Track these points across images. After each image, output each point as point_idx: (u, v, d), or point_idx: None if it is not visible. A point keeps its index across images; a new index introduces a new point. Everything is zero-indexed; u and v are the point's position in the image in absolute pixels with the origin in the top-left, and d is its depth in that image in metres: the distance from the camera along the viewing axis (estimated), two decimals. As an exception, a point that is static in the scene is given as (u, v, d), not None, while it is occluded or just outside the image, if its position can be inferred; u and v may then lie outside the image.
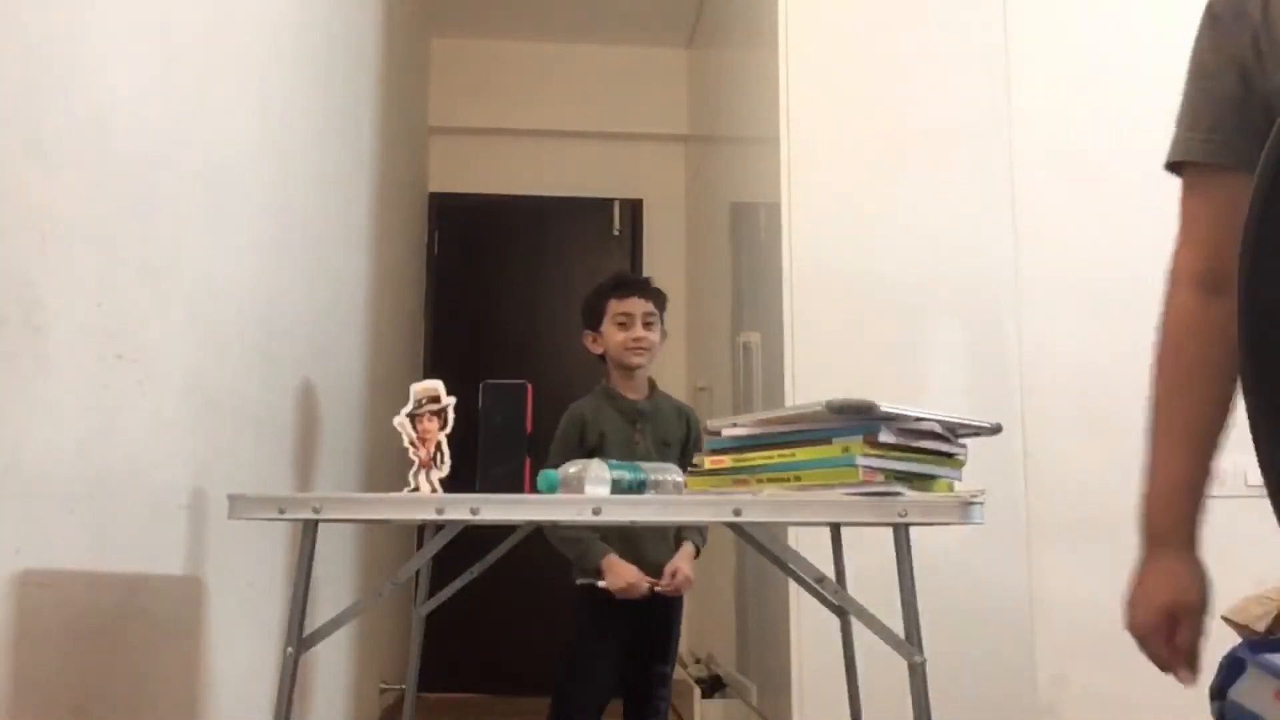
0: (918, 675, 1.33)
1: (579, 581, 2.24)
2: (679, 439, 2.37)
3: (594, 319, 2.37)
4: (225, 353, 1.86)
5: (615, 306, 2.33)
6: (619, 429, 2.28)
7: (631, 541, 2.24)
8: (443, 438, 1.46)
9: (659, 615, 2.27)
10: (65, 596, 1.31)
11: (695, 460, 1.57)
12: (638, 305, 2.33)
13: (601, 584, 2.17)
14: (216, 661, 1.82)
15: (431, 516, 1.33)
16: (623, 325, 2.32)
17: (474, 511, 1.31)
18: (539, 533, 2.06)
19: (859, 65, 2.79)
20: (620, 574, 2.16)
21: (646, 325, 2.33)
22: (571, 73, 4.67)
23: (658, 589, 2.20)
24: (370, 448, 3.10)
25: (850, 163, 2.74)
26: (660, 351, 2.41)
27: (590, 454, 2.17)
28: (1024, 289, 2.74)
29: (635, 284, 2.39)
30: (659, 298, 2.39)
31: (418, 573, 1.87)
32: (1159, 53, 2.87)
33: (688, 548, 2.30)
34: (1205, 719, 0.99)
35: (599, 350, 2.38)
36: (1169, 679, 1.13)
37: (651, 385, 2.40)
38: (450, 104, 4.62)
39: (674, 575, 2.22)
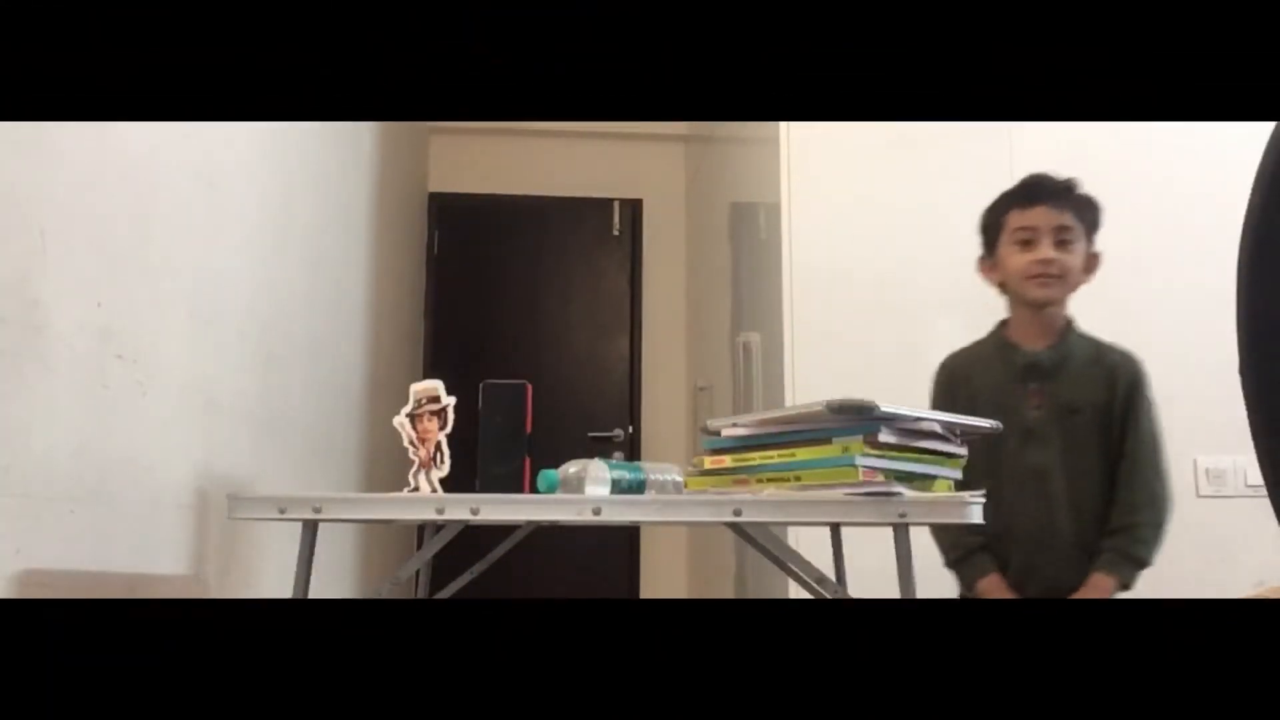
0: (918, 675, 1.33)
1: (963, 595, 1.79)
2: (1095, 403, 1.74)
3: (991, 239, 1.84)
4: (225, 353, 1.86)
5: (1016, 219, 1.78)
6: (1000, 389, 1.76)
7: (1029, 552, 1.77)
8: (443, 438, 1.46)
9: None
10: (65, 596, 1.30)
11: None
12: (1047, 217, 1.75)
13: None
14: (216, 661, 1.82)
15: (431, 516, 1.33)
16: (1026, 244, 1.76)
17: (474, 511, 1.31)
18: (539, 533, 2.05)
19: (859, 65, 2.79)
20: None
21: (1060, 245, 1.75)
22: (571, 72, 4.66)
23: None
24: (370, 448, 3.10)
25: (850, 163, 2.74)
26: (1084, 282, 1.80)
27: None
28: (1024, 289, 2.74)
29: (1047, 188, 1.79)
30: (1083, 207, 1.78)
31: (418, 573, 1.87)
32: (1159, 53, 2.88)
33: (1098, 580, 1.70)
34: (1205, 719, 0.99)
35: (996, 280, 1.84)
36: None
37: (1067, 328, 1.81)
38: (450, 104, 4.62)
39: None
